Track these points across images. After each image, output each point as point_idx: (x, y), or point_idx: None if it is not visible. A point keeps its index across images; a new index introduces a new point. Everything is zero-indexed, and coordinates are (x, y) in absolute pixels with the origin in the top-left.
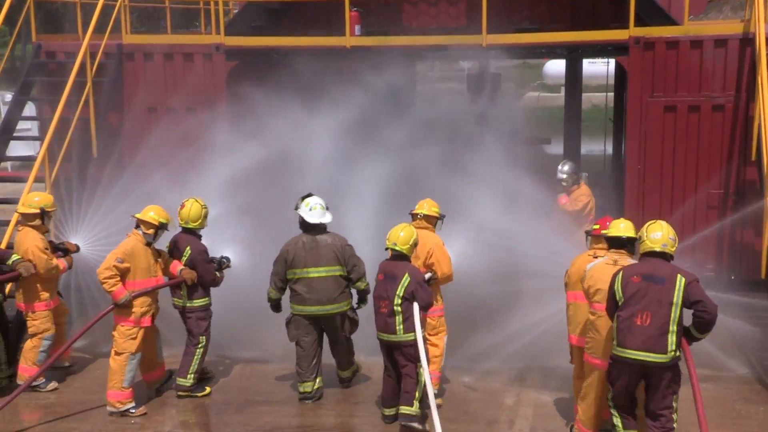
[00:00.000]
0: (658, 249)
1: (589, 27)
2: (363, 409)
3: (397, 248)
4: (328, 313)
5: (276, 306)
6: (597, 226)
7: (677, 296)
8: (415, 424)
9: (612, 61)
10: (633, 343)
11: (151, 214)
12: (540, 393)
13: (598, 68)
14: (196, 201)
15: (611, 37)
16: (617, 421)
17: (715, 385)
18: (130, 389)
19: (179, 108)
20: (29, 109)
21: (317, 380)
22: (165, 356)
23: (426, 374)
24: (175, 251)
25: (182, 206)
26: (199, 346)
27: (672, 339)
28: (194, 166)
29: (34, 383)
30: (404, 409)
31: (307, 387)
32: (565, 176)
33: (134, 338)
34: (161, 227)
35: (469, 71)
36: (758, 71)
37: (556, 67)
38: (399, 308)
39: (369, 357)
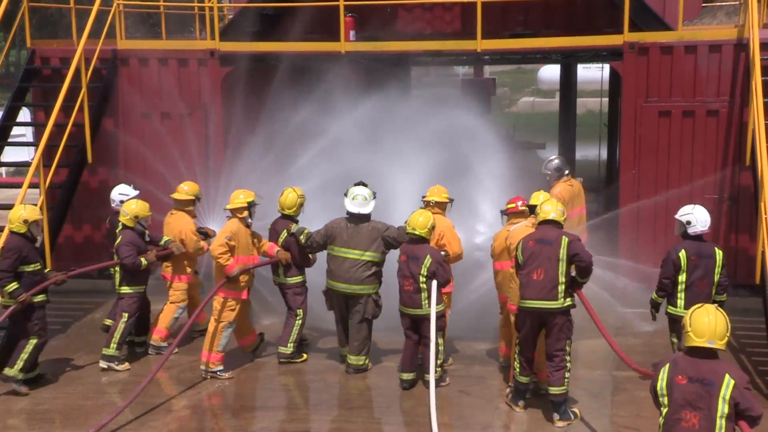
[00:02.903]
0: (549, 217)
1: (583, 32)
2: (357, 415)
3: (416, 232)
4: (354, 292)
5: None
6: (512, 205)
7: (563, 253)
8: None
9: (607, 66)
10: (531, 294)
11: (241, 197)
12: (535, 397)
13: (592, 73)
14: (293, 190)
15: (606, 43)
16: (516, 365)
17: None
18: (223, 353)
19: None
20: (24, 114)
21: None
22: (265, 324)
23: (433, 345)
24: (273, 234)
25: (281, 194)
26: (298, 318)
27: (561, 289)
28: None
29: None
30: (428, 377)
31: (345, 351)
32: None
33: (233, 309)
34: (251, 205)
35: (464, 76)
36: (752, 76)
37: (551, 72)
38: (424, 285)
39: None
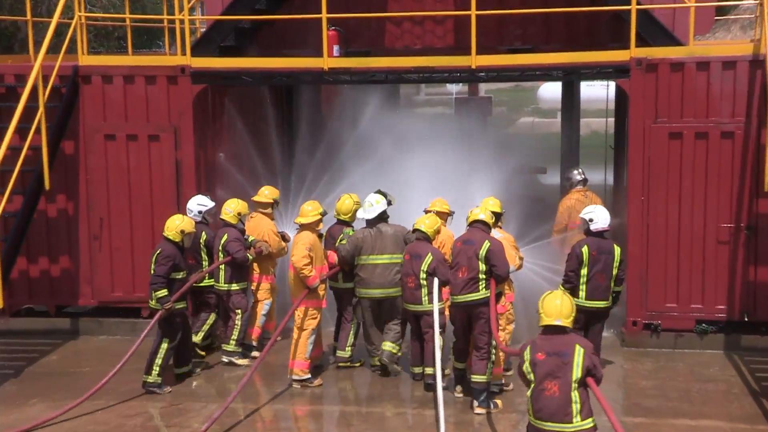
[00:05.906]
0: (477, 218)
1: (586, 47)
2: None
3: (423, 230)
4: (389, 296)
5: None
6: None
7: (482, 254)
8: None
9: (612, 84)
10: (457, 290)
11: (310, 210)
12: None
13: (596, 92)
14: (350, 197)
15: (611, 59)
16: (452, 354)
17: None
18: (309, 361)
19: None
20: None
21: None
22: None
23: (437, 341)
24: (329, 240)
25: (338, 200)
26: (351, 322)
27: (481, 284)
28: None
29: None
30: (429, 371)
31: (376, 361)
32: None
33: (315, 318)
34: (323, 215)
35: (458, 95)
36: None
37: (552, 90)
38: (424, 282)
39: None
